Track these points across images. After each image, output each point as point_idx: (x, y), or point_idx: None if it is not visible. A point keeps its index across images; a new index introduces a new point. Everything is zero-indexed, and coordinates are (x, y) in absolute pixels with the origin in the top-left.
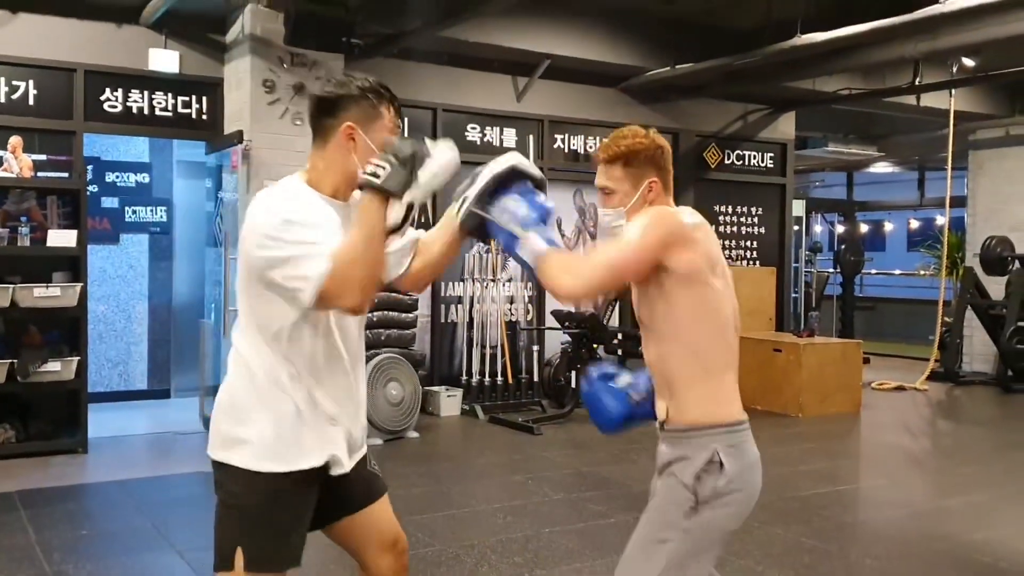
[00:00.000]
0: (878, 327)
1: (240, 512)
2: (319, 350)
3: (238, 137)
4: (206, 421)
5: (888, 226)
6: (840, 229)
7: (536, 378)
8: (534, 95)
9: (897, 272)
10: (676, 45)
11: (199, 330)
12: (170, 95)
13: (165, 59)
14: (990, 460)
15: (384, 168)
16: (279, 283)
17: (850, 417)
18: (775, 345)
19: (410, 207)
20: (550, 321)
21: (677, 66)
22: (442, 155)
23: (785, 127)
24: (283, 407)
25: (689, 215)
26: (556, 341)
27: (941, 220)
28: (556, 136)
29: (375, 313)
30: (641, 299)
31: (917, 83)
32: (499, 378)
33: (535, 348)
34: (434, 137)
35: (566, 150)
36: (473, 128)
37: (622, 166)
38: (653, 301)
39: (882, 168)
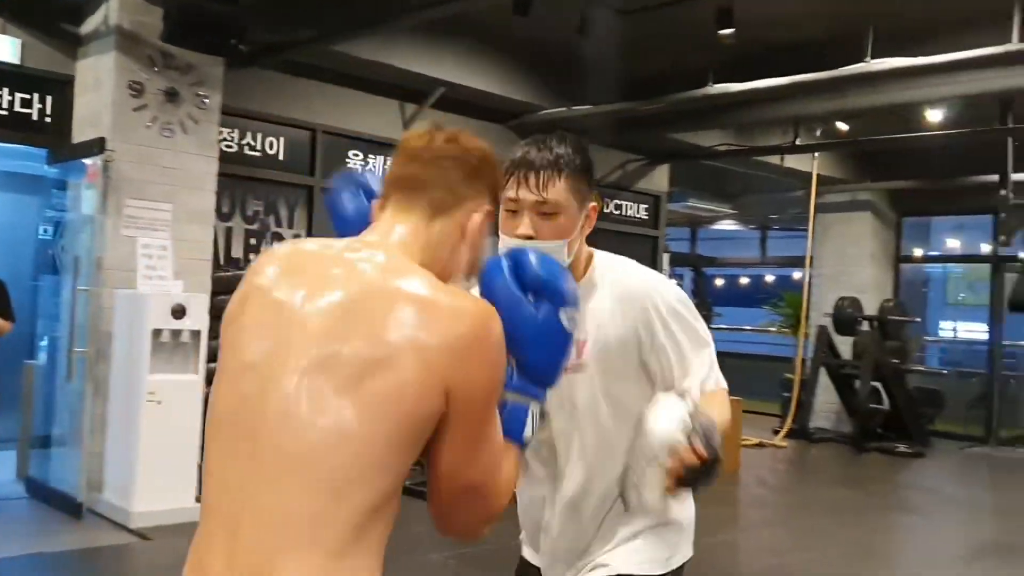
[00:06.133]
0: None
1: None
2: None
3: (98, 146)
4: (27, 483)
5: (719, 282)
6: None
7: None
8: (422, 124)
9: (748, 328)
10: (570, 87)
11: (21, 374)
12: (6, 90)
13: (2, 47)
14: (905, 527)
15: None
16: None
17: (730, 478)
18: None
19: None
20: None
21: (574, 107)
22: None
23: (660, 179)
24: None
25: None
26: None
27: (770, 278)
28: None
29: None
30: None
31: (796, 143)
32: None
33: None
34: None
35: None
36: (355, 155)
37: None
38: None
39: (725, 225)
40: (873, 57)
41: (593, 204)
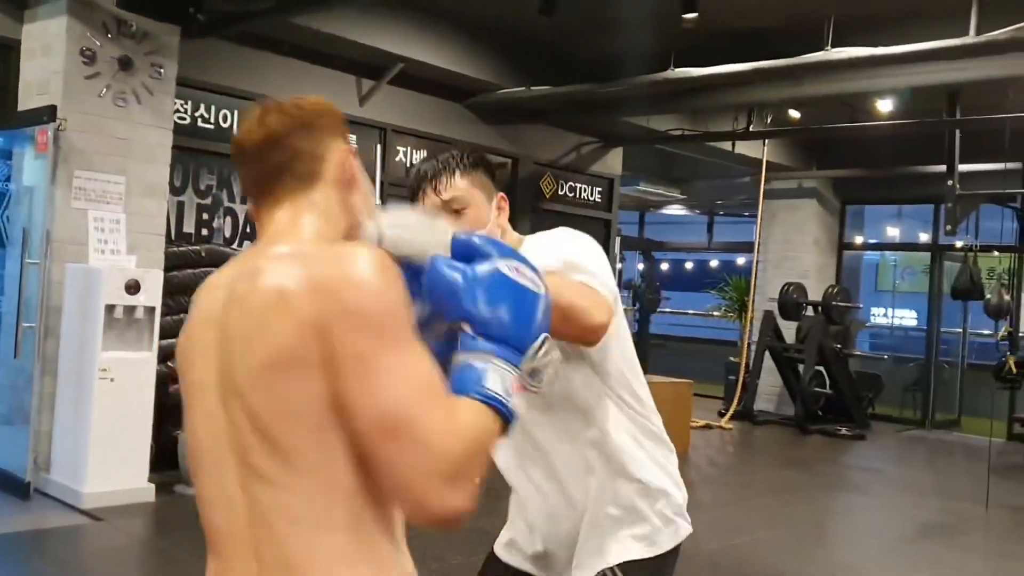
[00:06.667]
0: (667, 364)
1: None
2: None
3: (48, 114)
4: None
5: (664, 266)
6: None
7: None
8: (378, 100)
9: (692, 312)
10: (529, 67)
11: None
12: None
13: None
14: (851, 507)
15: None
16: None
17: (681, 459)
18: None
19: None
20: None
21: (532, 87)
22: None
23: (613, 162)
24: None
25: None
26: None
27: (714, 263)
28: (398, 148)
29: None
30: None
31: (750, 129)
32: None
33: None
34: None
35: (408, 164)
36: None
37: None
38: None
39: (673, 210)
40: (833, 46)
41: (501, 194)
